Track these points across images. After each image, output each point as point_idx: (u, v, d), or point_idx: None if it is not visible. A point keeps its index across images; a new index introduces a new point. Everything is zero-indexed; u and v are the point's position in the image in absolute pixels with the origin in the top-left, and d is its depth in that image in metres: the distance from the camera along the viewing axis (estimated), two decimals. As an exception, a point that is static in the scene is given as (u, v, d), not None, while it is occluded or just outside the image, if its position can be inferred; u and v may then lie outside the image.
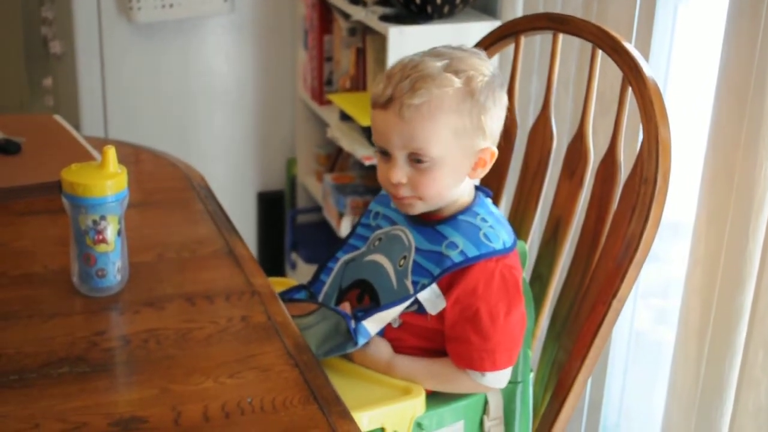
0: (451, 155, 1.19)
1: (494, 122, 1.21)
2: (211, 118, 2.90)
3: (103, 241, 1.18)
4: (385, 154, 1.21)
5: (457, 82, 1.17)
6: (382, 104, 1.18)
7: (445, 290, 1.21)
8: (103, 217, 1.17)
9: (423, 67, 1.17)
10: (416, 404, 1.20)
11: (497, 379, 1.23)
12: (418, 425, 1.21)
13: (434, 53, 1.21)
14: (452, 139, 1.18)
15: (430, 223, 1.25)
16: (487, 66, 1.21)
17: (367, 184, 2.60)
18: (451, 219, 1.24)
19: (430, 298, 1.21)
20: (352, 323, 1.20)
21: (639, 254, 1.24)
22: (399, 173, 1.19)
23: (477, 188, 1.29)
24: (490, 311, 1.20)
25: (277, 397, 1.01)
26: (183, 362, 1.07)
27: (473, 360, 1.22)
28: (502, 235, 1.22)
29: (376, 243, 1.30)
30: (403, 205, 1.23)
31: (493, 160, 1.24)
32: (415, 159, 1.18)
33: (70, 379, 1.03)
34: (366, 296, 1.27)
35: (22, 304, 1.19)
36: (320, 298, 1.34)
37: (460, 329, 1.21)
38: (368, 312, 1.21)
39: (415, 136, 1.17)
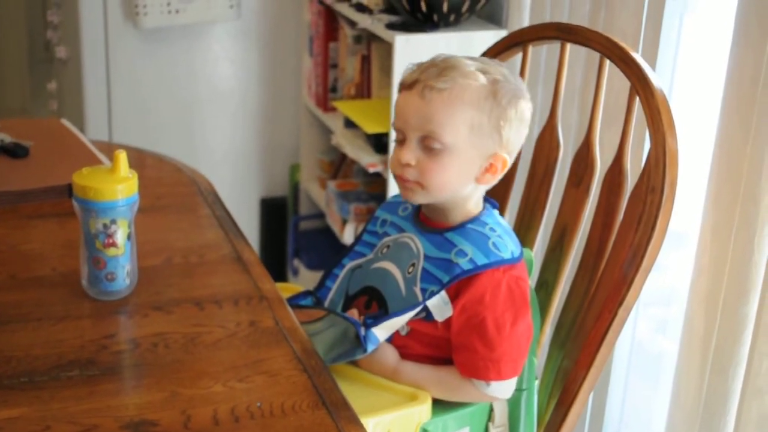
0: (463, 148, 1.20)
1: (513, 133, 1.22)
2: (215, 123, 2.90)
3: (113, 245, 1.19)
4: (400, 141, 1.23)
5: (483, 79, 1.20)
6: (407, 86, 1.22)
7: (453, 298, 1.21)
8: (113, 221, 1.18)
9: (455, 61, 1.21)
10: (422, 410, 1.20)
11: (502, 388, 1.24)
12: (424, 431, 1.21)
13: (470, 57, 1.25)
14: (467, 132, 1.19)
15: (439, 230, 1.25)
16: (518, 81, 1.25)
17: (370, 192, 2.61)
18: (460, 227, 1.24)
19: (438, 304, 1.21)
20: (362, 331, 1.20)
21: (645, 263, 1.25)
22: (409, 155, 1.21)
23: (485, 199, 1.30)
24: (496, 320, 1.20)
25: (286, 401, 1.02)
26: (192, 366, 1.08)
27: (478, 369, 1.22)
28: (510, 246, 1.23)
29: (384, 250, 1.31)
30: (405, 190, 1.24)
31: (505, 170, 1.24)
32: (428, 144, 1.20)
33: (80, 381, 1.04)
34: (374, 303, 1.27)
35: (31, 306, 1.19)
36: (326, 304, 1.35)
37: (465, 337, 1.22)
38: (378, 319, 1.21)
39: (431, 118, 1.19)
